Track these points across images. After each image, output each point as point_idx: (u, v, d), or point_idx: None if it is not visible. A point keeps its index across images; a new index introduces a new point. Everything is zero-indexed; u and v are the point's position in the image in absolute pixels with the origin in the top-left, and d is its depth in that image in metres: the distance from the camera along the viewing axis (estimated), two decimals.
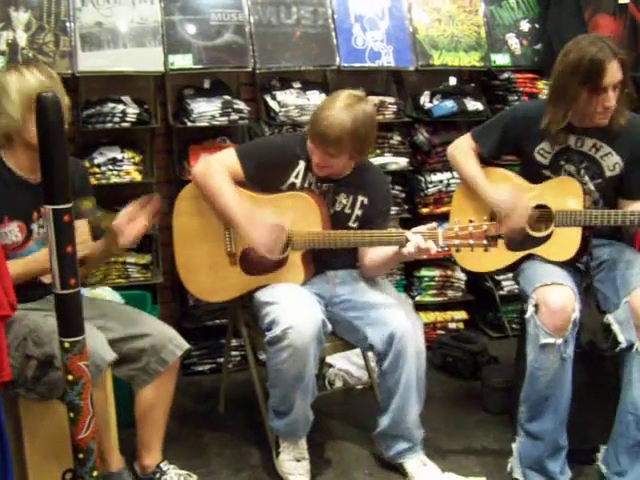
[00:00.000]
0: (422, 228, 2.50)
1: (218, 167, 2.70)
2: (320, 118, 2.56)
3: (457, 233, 2.45)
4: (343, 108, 2.54)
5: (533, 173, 2.78)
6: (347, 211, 2.78)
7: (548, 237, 2.69)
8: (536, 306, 2.52)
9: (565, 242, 2.64)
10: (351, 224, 2.79)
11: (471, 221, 2.45)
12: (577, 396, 2.58)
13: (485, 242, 2.43)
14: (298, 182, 2.74)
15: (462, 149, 2.88)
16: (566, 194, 2.66)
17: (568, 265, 2.67)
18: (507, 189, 2.73)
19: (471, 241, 2.44)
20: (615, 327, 2.50)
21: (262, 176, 2.73)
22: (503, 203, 2.70)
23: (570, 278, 2.59)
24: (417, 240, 2.45)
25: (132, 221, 2.44)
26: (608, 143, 2.64)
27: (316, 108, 2.66)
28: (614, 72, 2.48)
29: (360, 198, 2.78)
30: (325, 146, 2.57)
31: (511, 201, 2.69)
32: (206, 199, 2.74)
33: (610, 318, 2.53)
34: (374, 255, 2.72)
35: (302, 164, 2.73)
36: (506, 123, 2.80)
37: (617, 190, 2.71)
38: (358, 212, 2.78)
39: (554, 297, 2.48)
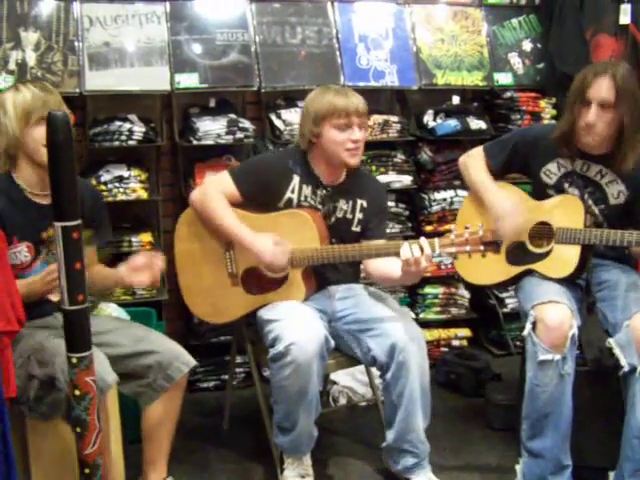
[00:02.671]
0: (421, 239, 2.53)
1: (214, 191, 2.76)
2: (337, 101, 2.65)
3: (453, 240, 2.46)
4: (339, 88, 2.80)
5: (539, 192, 2.82)
6: (349, 216, 2.82)
7: (548, 253, 2.71)
8: (534, 323, 2.54)
9: (564, 259, 2.66)
10: (354, 228, 2.83)
11: (467, 227, 2.47)
12: (585, 413, 2.59)
13: (482, 248, 2.44)
14: (294, 197, 2.77)
15: (473, 158, 2.92)
16: (568, 212, 2.68)
17: (568, 282, 2.68)
18: (510, 198, 2.76)
19: (468, 247, 2.44)
20: (617, 351, 2.50)
21: (258, 195, 2.77)
22: (500, 208, 2.72)
23: (569, 295, 2.61)
24: (405, 251, 2.47)
25: (139, 270, 2.51)
26: (614, 171, 2.66)
27: (319, 107, 2.68)
28: (602, 87, 2.53)
29: (359, 201, 2.83)
30: (356, 117, 2.66)
31: (508, 207, 2.71)
32: (206, 223, 2.79)
33: (612, 342, 2.53)
34: (375, 266, 2.77)
35: (296, 178, 2.78)
36: (516, 141, 2.84)
37: (622, 218, 2.72)
38: (359, 215, 2.83)
39: (551, 314, 2.50)
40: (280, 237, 2.71)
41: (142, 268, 2.50)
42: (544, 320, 2.50)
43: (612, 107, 2.54)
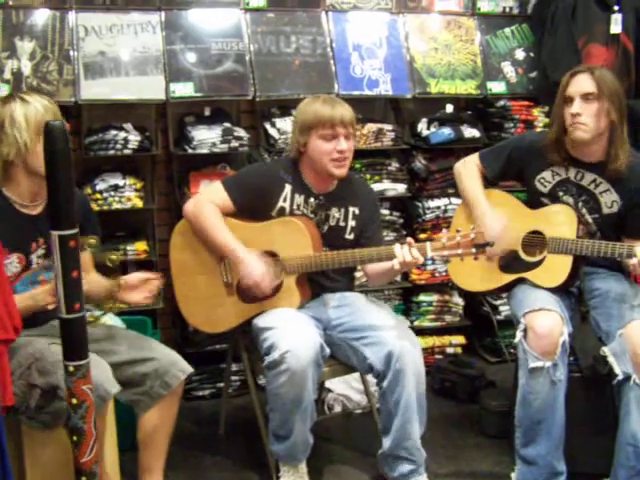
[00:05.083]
0: (409, 240, 2.55)
1: (207, 203, 2.77)
2: (323, 112, 2.67)
3: (445, 244, 2.48)
4: (327, 98, 2.76)
5: (533, 199, 2.84)
6: (341, 224, 2.84)
7: (540, 262, 2.72)
8: (524, 331, 2.56)
9: (556, 269, 2.68)
10: (347, 236, 2.85)
11: (458, 231, 2.49)
12: (579, 420, 2.60)
13: (474, 250, 2.47)
14: (287, 205, 2.79)
15: (469, 166, 2.95)
16: (561, 222, 2.70)
17: (560, 291, 2.70)
18: (500, 218, 2.77)
19: (459, 250, 2.47)
20: (611, 359, 2.52)
21: (251, 204, 2.79)
22: (492, 230, 2.71)
23: (560, 303, 2.63)
24: (402, 254, 2.50)
25: (135, 288, 2.50)
26: (608, 180, 2.68)
27: (305, 117, 2.72)
28: (581, 82, 2.59)
29: (351, 209, 2.85)
30: (342, 127, 2.67)
31: (498, 230, 2.72)
32: (198, 235, 2.80)
33: (606, 350, 2.56)
34: (369, 268, 2.82)
35: (288, 187, 2.79)
36: (512, 149, 2.87)
37: (615, 227, 2.74)
38: (352, 223, 2.85)
39: (541, 322, 2.53)
40: (274, 245, 2.72)
41: (137, 287, 2.50)
42: (534, 328, 2.53)
43: (595, 99, 2.58)
